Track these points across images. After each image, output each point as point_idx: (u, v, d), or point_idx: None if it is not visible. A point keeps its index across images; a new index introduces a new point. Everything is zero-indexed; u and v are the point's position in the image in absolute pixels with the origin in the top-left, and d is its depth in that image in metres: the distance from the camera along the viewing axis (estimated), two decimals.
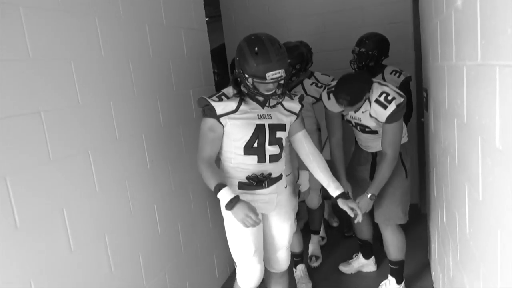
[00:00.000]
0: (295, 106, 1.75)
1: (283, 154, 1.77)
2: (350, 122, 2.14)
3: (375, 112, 1.93)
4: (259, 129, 1.64)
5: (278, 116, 1.69)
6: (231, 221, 1.69)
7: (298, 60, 2.32)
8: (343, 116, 2.15)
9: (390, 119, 1.91)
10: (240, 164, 1.68)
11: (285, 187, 1.82)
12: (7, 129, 1.19)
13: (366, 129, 2.10)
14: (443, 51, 1.59)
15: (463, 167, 1.30)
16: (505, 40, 0.81)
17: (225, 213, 1.73)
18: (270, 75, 1.52)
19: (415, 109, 2.98)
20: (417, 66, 2.98)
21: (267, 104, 1.67)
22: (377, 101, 1.91)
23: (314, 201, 2.59)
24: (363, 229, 2.44)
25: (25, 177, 1.24)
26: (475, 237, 1.19)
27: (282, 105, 1.71)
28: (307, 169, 2.04)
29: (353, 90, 1.90)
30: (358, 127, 2.13)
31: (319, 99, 2.33)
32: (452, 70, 1.41)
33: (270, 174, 1.70)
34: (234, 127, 1.64)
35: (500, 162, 0.88)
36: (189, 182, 2.20)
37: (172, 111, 2.08)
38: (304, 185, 2.15)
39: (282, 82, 1.61)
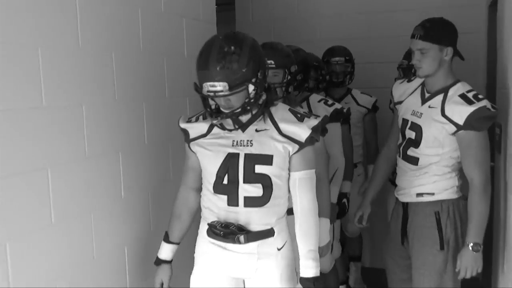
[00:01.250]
0: (298, 131, 1.60)
1: (275, 199, 1.64)
2: (405, 124, 2.16)
3: (451, 109, 1.97)
4: (230, 159, 1.61)
5: (266, 143, 1.61)
6: (195, 274, 1.76)
7: (299, 69, 2.29)
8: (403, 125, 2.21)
9: (470, 123, 1.91)
10: (211, 205, 1.68)
11: (278, 249, 1.68)
12: None
13: (409, 151, 2.12)
14: None
15: None
16: None
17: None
18: (206, 86, 1.50)
19: None
20: (488, 92, 2.98)
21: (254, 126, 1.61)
22: (462, 95, 1.98)
23: (324, 263, 2.54)
24: None
25: None
26: None
27: (277, 127, 1.62)
28: (327, 216, 2.02)
29: (440, 23, 2.06)
30: (404, 144, 2.16)
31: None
32: None
33: (240, 226, 1.60)
34: (202, 156, 1.67)
35: None
36: None
37: (161, 124, 2.10)
38: (322, 238, 2.09)
39: (252, 99, 1.53)
